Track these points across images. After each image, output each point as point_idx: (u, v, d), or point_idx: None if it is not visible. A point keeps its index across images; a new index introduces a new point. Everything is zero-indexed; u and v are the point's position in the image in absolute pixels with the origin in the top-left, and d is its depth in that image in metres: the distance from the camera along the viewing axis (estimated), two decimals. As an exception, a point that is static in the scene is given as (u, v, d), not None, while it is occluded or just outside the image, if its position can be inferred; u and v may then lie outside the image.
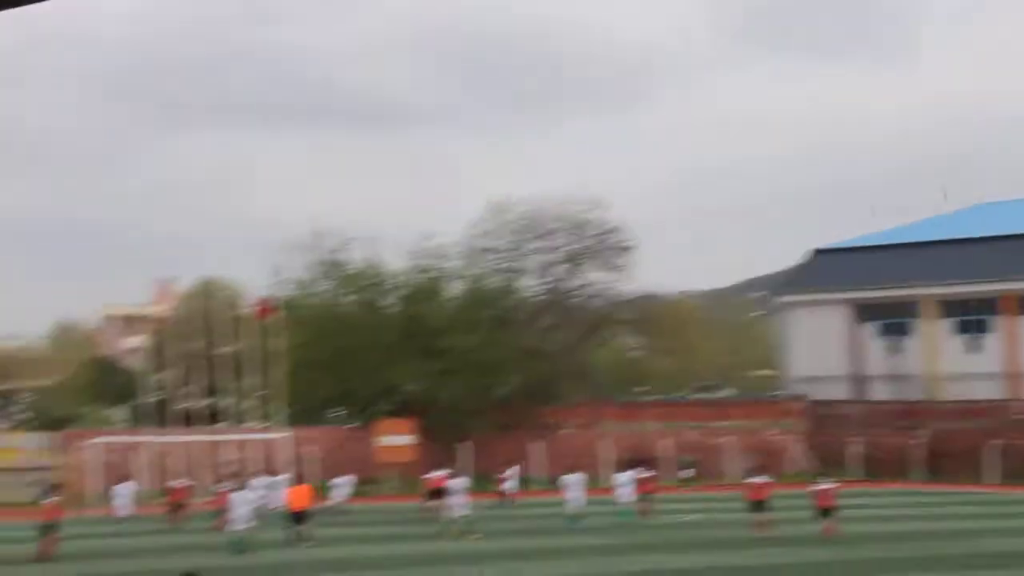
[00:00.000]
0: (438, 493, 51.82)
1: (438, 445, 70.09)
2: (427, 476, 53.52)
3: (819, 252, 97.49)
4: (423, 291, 76.05)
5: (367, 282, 76.89)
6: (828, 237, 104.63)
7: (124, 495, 49.81)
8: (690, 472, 72.99)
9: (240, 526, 38.34)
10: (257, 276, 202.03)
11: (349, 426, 75.61)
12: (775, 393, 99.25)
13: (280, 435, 60.58)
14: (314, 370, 73.47)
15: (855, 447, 79.19)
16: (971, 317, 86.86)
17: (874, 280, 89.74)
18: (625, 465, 52.72)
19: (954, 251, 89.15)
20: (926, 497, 64.64)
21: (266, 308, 64.00)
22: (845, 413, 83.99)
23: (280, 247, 76.92)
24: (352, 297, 77.12)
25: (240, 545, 38.07)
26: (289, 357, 72.16)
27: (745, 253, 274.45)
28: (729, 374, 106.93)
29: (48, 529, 38.37)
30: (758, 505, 43.73)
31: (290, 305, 75.09)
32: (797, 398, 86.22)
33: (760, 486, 44.27)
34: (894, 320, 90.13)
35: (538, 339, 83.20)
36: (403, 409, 73.83)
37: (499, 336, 77.58)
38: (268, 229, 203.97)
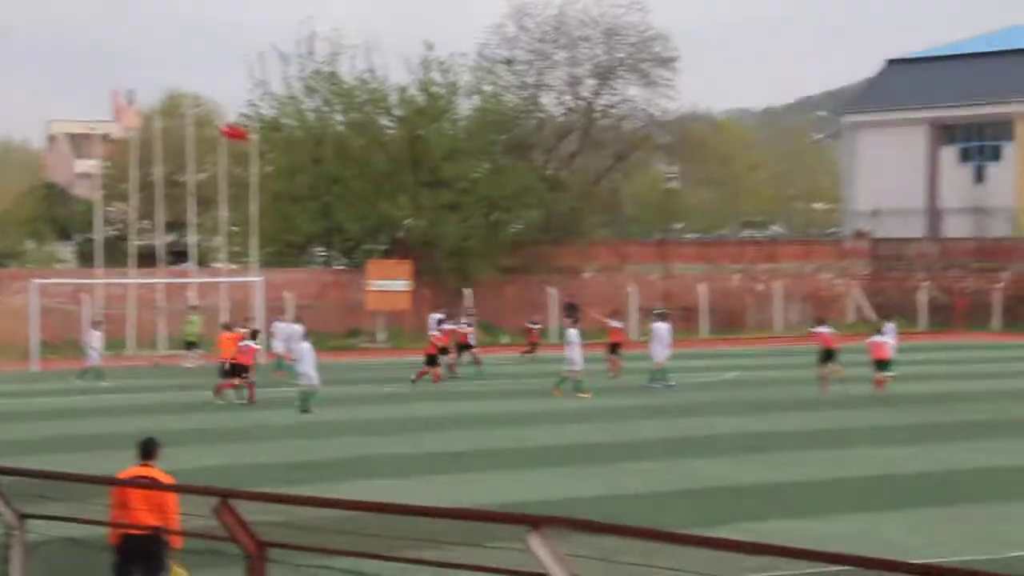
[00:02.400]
0: (464, 348, 52.28)
1: (439, 291, 70.20)
2: (439, 329, 51.89)
3: (893, 63, 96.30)
4: (428, 110, 75.36)
5: (362, 98, 76.22)
6: (905, 46, 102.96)
7: (96, 343, 50.47)
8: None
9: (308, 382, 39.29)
10: (234, 91, 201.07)
11: (336, 267, 75.74)
12: (834, 231, 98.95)
13: (254, 278, 60.65)
14: (297, 202, 73.29)
15: (925, 293, 79.13)
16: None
17: (958, 95, 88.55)
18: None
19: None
20: (1006, 350, 64.71)
21: (238, 129, 63.40)
22: (916, 253, 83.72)
23: (261, 56, 75.91)
24: (343, 116, 76.59)
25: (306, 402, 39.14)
26: (268, 187, 71.91)
27: (806, 67, 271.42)
28: (781, 209, 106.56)
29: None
30: (828, 355, 44.76)
31: (271, 125, 74.68)
32: (859, 236, 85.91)
33: (829, 336, 45.13)
34: (980, 143, 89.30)
35: (560, 167, 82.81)
36: (399, 249, 73.80)
37: (514, 164, 77.15)
38: (248, 35, 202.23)
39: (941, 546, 20.02)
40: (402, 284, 67.88)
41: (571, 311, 58.02)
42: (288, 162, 74.61)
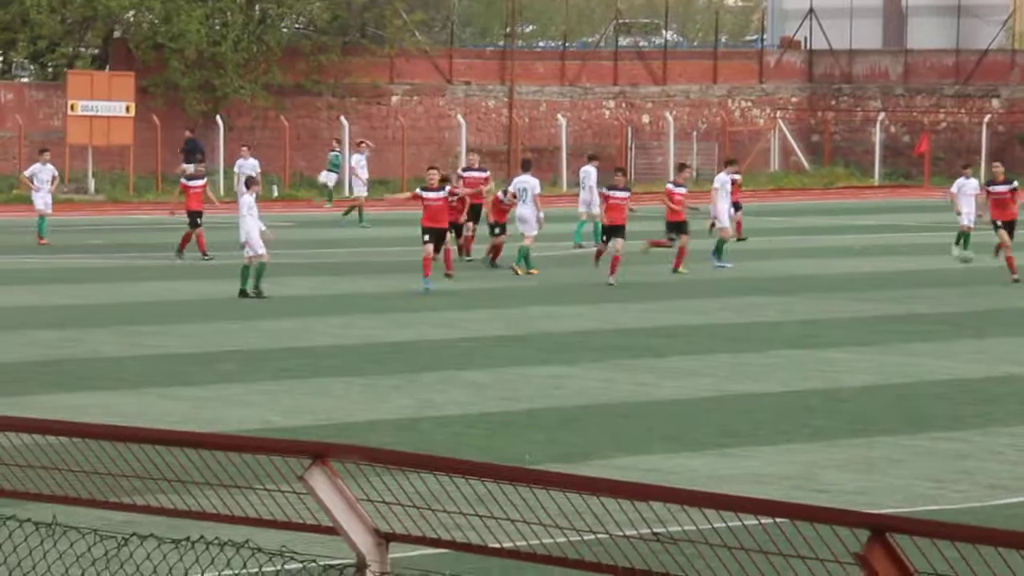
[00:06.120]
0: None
1: (176, 118, 69.88)
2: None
3: None
4: None
5: None
6: None
7: None
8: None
9: None
10: None
11: (20, 81, 74.96)
12: (752, 39, 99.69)
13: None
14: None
15: (881, 130, 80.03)
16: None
17: None
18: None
19: None
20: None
21: None
22: (868, 72, 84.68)
23: None
24: None
25: None
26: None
27: None
28: (676, 6, 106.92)
29: None
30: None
31: None
32: (789, 46, 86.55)
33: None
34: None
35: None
36: (117, 56, 73.21)
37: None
38: None
39: (895, 492, 20.33)
40: (121, 107, 67.42)
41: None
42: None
